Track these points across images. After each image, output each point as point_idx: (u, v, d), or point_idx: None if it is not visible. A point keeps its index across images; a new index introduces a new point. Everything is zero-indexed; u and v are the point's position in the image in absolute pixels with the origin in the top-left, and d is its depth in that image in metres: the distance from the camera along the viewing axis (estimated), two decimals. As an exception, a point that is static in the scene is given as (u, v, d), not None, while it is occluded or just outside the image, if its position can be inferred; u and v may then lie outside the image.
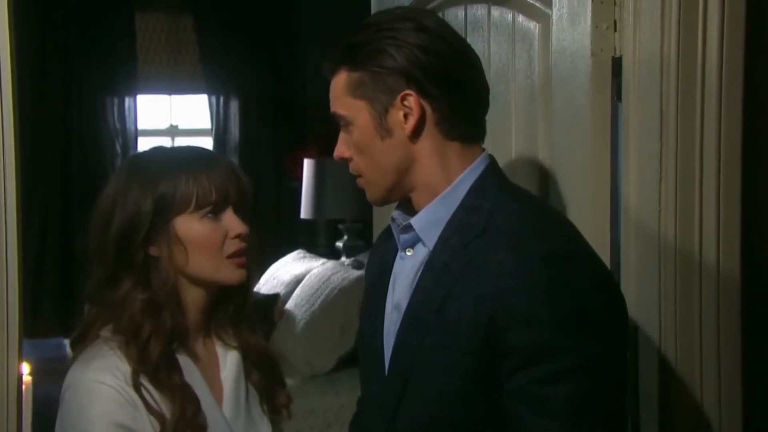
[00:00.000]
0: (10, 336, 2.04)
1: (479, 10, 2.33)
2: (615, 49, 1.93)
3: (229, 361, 1.80)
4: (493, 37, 2.30)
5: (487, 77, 2.30)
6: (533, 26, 2.13)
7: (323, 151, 5.42)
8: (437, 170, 1.58)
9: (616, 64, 1.93)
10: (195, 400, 1.67)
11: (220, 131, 6.57)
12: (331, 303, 4.47)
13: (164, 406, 1.65)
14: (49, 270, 6.20)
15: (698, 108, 1.78)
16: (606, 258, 1.97)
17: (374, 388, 1.67)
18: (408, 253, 1.62)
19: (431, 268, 1.55)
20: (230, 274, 1.73)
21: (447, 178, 1.58)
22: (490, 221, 1.51)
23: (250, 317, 1.84)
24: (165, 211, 1.68)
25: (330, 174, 5.29)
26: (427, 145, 1.56)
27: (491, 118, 2.31)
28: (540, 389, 1.41)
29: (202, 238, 1.69)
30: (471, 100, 1.59)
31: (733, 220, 1.80)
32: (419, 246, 1.60)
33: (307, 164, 5.47)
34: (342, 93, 1.59)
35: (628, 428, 1.57)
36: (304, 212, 5.56)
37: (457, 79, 1.56)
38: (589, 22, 1.94)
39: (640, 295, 1.88)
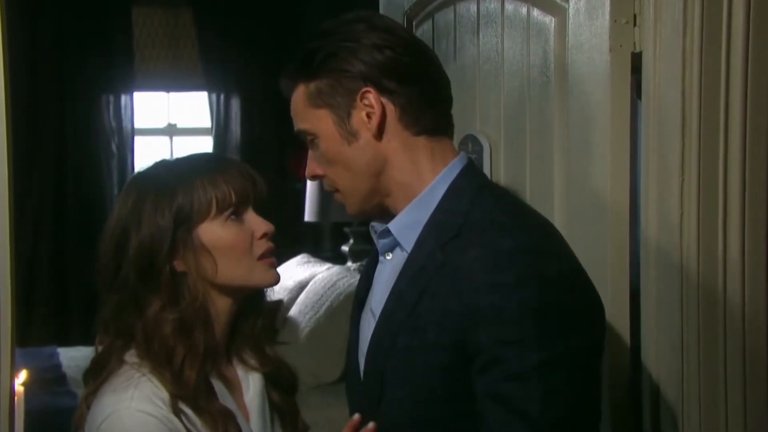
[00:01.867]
0: (2, 344, 2.04)
1: (492, 4, 2.33)
2: (635, 44, 1.93)
3: (252, 384, 1.79)
4: (506, 32, 2.30)
5: (500, 74, 2.33)
6: (549, 20, 2.13)
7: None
8: (409, 168, 1.62)
9: (636, 59, 1.93)
10: (237, 428, 1.66)
11: (220, 130, 6.58)
12: (336, 310, 4.47)
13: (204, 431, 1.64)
14: (42, 275, 6.21)
15: (722, 106, 1.78)
16: (624, 263, 1.97)
17: (354, 395, 1.71)
18: (387, 257, 1.67)
19: (407, 271, 1.59)
20: (264, 275, 1.72)
21: (420, 177, 1.62)
22: (466, 222, 1.55)
23: (273, 330, 1.85)
24: (186, 222, 1.67)
25: (335, 175, 5.29)
26: (394, 142, 1.61)
27: (505, 117, 2.33)
28: (508, 388, 1.44)
29: (230, 243, 1.69)
30: (430, 92, 1.63)
31: (759, 223, 1.80)
32: (397, 250, 1.65)
33: (312, 164, 5.46)
34: (302, 107, 1.64)
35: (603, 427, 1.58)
36: (309, 215, 5.57)
37: (413, 71, 1.61)
38: (607, 16, 1.94)
39: (660, 299, 1.88)
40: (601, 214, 1.99)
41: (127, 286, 1.69)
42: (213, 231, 1.68)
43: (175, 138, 6.80)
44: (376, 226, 1.68)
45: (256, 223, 1.71)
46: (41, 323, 6.06)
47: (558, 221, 2.13)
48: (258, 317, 1.80)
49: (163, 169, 1.75)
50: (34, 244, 6.14)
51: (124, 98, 6.43)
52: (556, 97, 2.12)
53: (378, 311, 1.63)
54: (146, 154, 6.60)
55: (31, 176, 6.00)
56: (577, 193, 2.07)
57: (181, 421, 1.62)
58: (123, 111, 6.43)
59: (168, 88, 6.69)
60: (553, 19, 2.11)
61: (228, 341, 1.78)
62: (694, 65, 1.80)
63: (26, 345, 5.16)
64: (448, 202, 1.59)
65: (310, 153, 1.67)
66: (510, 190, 1.72)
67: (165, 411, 1.61)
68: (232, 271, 1.69)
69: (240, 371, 1.79)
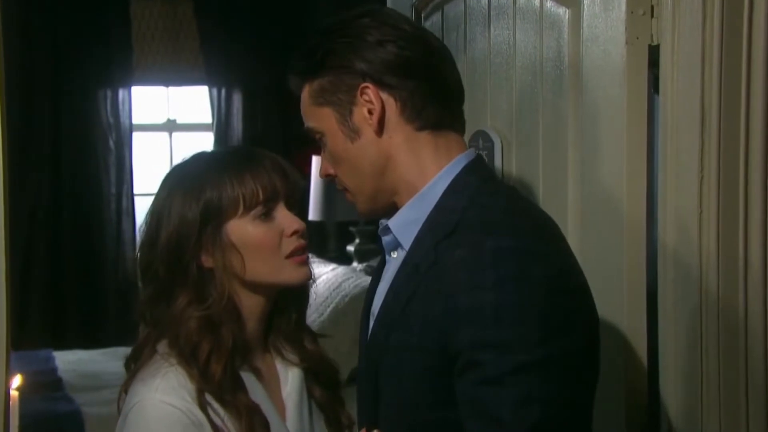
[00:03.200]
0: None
1: (504, -5, 2.33)
2: (652, 36, 1.93)
3: (290, 378, 1.83)
4: (519, 25, 2.29)
5: (512, 67, 2.33)
6: (563, 12, 2.13)
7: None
8: (412, 164, 1.63)
9: (653, 52, 1.92)
10: (265, 423, 1.71)
11: (221, 126, 6.59)
12: (342, 312, 4.47)
13: (231, 425, 1.69)
14: (37, 276, 6.22)
15: (743, 100, 1.78)
16: (640, 264, 1.97)
17: (359, 397, 1.74)
18: (393, 256, 1.69)
19: (403, 270, 1.61)
20: (293, 274, 1.76)
21: (423, 172, 1.63)
22: (462, 220, 1.56)
23: (312, 331, 1.89)
24: (214, 218, 1.71)
25: (341, 173, 5.30)
26: (396, 138, 1.62)
27: (517, 113, 2.32)
28: (484, 392, 1.45)
29: (258, 241, 1.72)
30: (434, 86, 1.64)
31: (781, 223, 1.79)
32: (401, 248, 1.66)
33: (317, 162, 5.48)
34: (308, 105, 1.67)
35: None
36: (313, 214, 5.58)
37: (415, 66, 1.62)
38: (623, 8, 1.93)
39: (678, 302, 1.88)
40: (616, 213, 1.98)
41: (157, 279, 1.75)
42: (241, 229, 1.72)
43: (174, 134, 6.81)
44: (383, 222, 1.69)
45: (286, 220, 1.75)
46: (35, 325, 6.07)
47: (572, 220, 2.13)
48: (294, 312, 1.85)
49: (196, 163, 1.79)
50: (28, 244, 6.15)
51: (122, 93, 6.44)
52: (570, 92, 2.11)
53: (377, 310, 1.66)
54: (145, 150, 6.62)
55: (25, 174, 6.00)
56: (591, 192, 2.07)
57: (207, 413, 1.67)
58: (121, 106, 6.44)
59: (167, 82, 6.70)
60: (567, 11, 2.11)
61: (265, 336, 1.82)
62: (714, 58, 1.79)
63: (20, 348, 5.17)
64: (448, 199, 1.60)
65: (323, 152, 1.70)
66: (517, 188, 1.72)
67: (190, 403, 1.67)
68: (260, 269, 1.74)
69: (279, 366, 1.84)
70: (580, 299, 1.56)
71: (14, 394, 2.14)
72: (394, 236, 1.65)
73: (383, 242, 1.70)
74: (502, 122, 2.41)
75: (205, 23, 6.49)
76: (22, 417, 2.18)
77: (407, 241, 1.62)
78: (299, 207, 1.79)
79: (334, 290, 4.67)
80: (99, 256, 6.27)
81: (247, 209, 1.72)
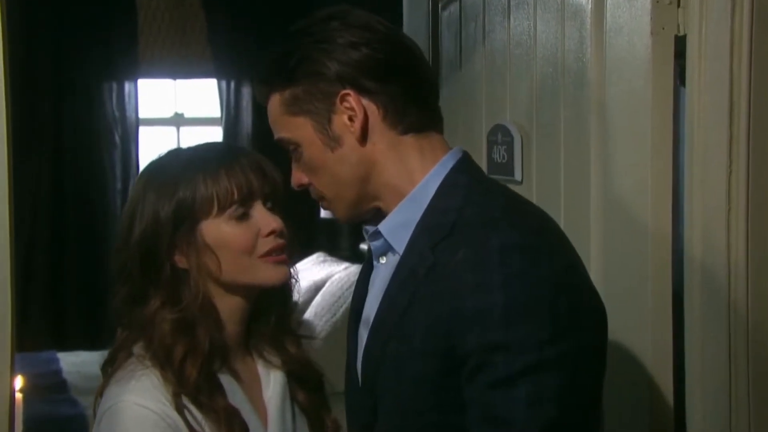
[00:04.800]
0: (1, 349, 2.06)
1: (524, -17, 2.33)
2: (678, 26, 1.92)
3: (272, 381, 1.83)
4: (539, 15, 2.29)
5: (533, 59, 2.33)
6: (585, 1, 2.12)
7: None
8: (398, 169, 1.62)
9: (680, 43, 1.92)
10: (244, 426, 1.71)
11: (230, 120, 6.60)
12: (354, 312, 4.47)
13: (209, 429, 1.69)
14: (39, 276, 6.24)
15: (774, 93, 1.77)
16: (666, 265, 1.96)
17: (353, 408, 1.74)
18: (382, 261, 1.68)
19: (399, 274, 1.60)
20: (269, 274, 1.75)
21: (410, 176, 1.63)
22: (458, 220, 1.56)
23: (293, 328, 1.89)
24: (187, 217, 1.71)
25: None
26: (380, 144, 1.61)
27: (538, 106, 2.32)
28: (494, 395, 1.45)
29: (232, 242, 1.72)
30: (414, 87, 1.64)
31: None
32: (391, 253, 1.66)
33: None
34: (280, 115, 1.65)
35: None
36: (325, 211, 5.57)
37: (393, 68, 1.61)
38: (648, -3, 1.93)
39: (705, 303, 1.87)
40: (641, 210, 1.98)
41: (133, 279, 1.75)
42: (216, 229, 1.72)
43: (182, 128, 6.83)
44: (369, 228, 1.69)
45: (263, 219, 1.74)
46: (38, 325, 6.09)
47: (594, 218, 2.13)
48: (274, 314, 1.84)
49: (172, 158, 1.79)
50: (30, 244, 6.17)
51: (127, 86, 6.46)
52: (593, 85, 2.11)
53: (371, 319, 1.64)
54: (151, 145, 6.63)
55: (26, 171, 6.01)
56: (615, 188, 2.07)
57: (183, 416, 1.68)
58: (126, 100, 6.45)
59: (175, 75, 6.71)
60: (590, 0, 2.10)
61: (246, 336, 1.82)
62: (744, 48, 1.79)
63: (22, 349, 5.20)
64: (441, 200, 1.60)
65: (294, 162, 1.68)
66: (506, 186, 1.72)
67: (165, 406, 1.67)
68: (236, 270, 1.73)
69: (261, 369, 1.84)
70: (587, 294, 1.56)
71: (17, 396, 2.15)
72: (386, 240, 1.64)
73: (372, 248, 1.69)
74: (522, 116, 2.40)
75: (213, 13, 6.50)
76: (26, 420, 2.19)
77: (400, 246, 1.61)
78: (282, 205, 1.79)
79: (347, 289, 4.68)
80: (103, 254, 6.28)
81: (222, 209, 1.71)
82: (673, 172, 1.97)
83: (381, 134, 1.61)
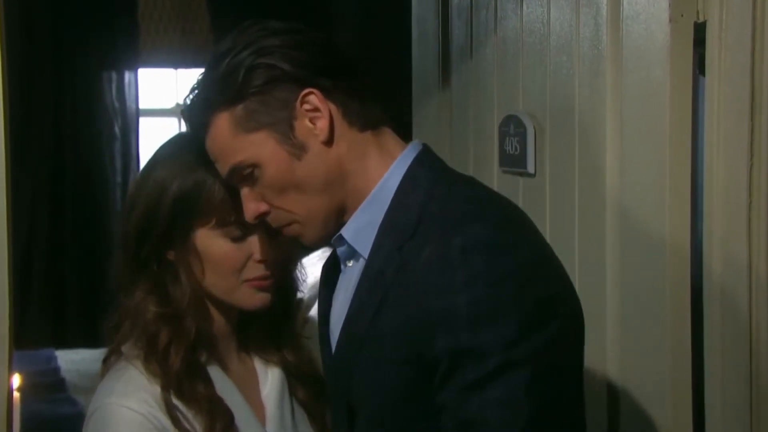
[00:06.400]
0: (-3, 346, 2.06)
1: (537, -31, 2.32)
2: (698, 13, 1.92)
3: (270, 378, 1.85)
4: (553, 1, 2.29)
5: (547, 47, 2.32)
6: (601, -13, 2.12)
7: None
8: (360, 170, 1.61)
9: (699, 30, 1.91)
10: (227, 413, 1.73)
11: (233, 111, 6.59)
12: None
13: (197, 424, 1.71)
14: (37, 271, 6.26)
15: (797, 82, 1.77)
16: (685, 259, 1.96)
17: (332, 421, 1.74)
18: (349, 264, 1.67)
19: (366, 278, 1.59)
20: (247, 298, 1.76)
21: (371, 176, 1.61)
22: (422, 217, 1.55)
23: (298, 326, 1.91)
24: (185, 217, 1.72)
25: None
26: (343, 144, 1.60)
27: (552, 96, 2.31)
28: (468, 400, 1.45)
29: (220, 258, 1.74)
30: (359, 82, 1.64)
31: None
32: (357, 256, 1.65)
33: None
34: (232, 137, 1.60)
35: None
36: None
37: (339, 63, 1.62)
38: (667, -18, 1.92)
39: (725, 298, 1.87)
40: (659, 202, 1.98)
41: (128, 255, 1.77)
42: (210, 240, 1.74)
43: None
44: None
45: (258, 246, 1.74)
46: (36, 322, 6.10)
47: (610, 213, 2.13)
48: (273, 313, 1.84)
49: (182, 144, 1.82)
50: (28, 238, 6.18)
51: (128, 75, 6.47)
52: (609, 74, 2.10)
53: (339, 326, 1.64)
54: (152, 137, 6.64)
55: (24, 164, 6.02)
56: (632, 181, 2.06)
57: (172, 415, 1.70)
58: (127, 90, 6.46)
59: (176, 64, 6.72)
60: (606, -14, 2.10)
61: (240, 333, 1.84)
62: (766, 36, 1.78)
63: (20, 347, 5.21)
64: (403, 197, 1.58)
65: (244, 192, 1.64)
66: (473, 177, 1.71)
67: (152, 407, 1.70)
68: (217, 284, 1.76)
69: (259, 365, 1.86)
70: (556, 286, 1.55)
71: (15, 395, 2.15)
72: (350, 245, 1.63)
73: (338, 252, 1.67)
74: (535, 106, 2.40)
75: (215, 2, 6.50)
76: (24, 419, 2.19)
77: (365, 248, 1.60)
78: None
79: (353, 286, 4.68)
80: (104, 249, 6.29)
81: (220, 225, 1.73)
82: (692, 164, 1.96)
83: (343, 133, 1.60)
